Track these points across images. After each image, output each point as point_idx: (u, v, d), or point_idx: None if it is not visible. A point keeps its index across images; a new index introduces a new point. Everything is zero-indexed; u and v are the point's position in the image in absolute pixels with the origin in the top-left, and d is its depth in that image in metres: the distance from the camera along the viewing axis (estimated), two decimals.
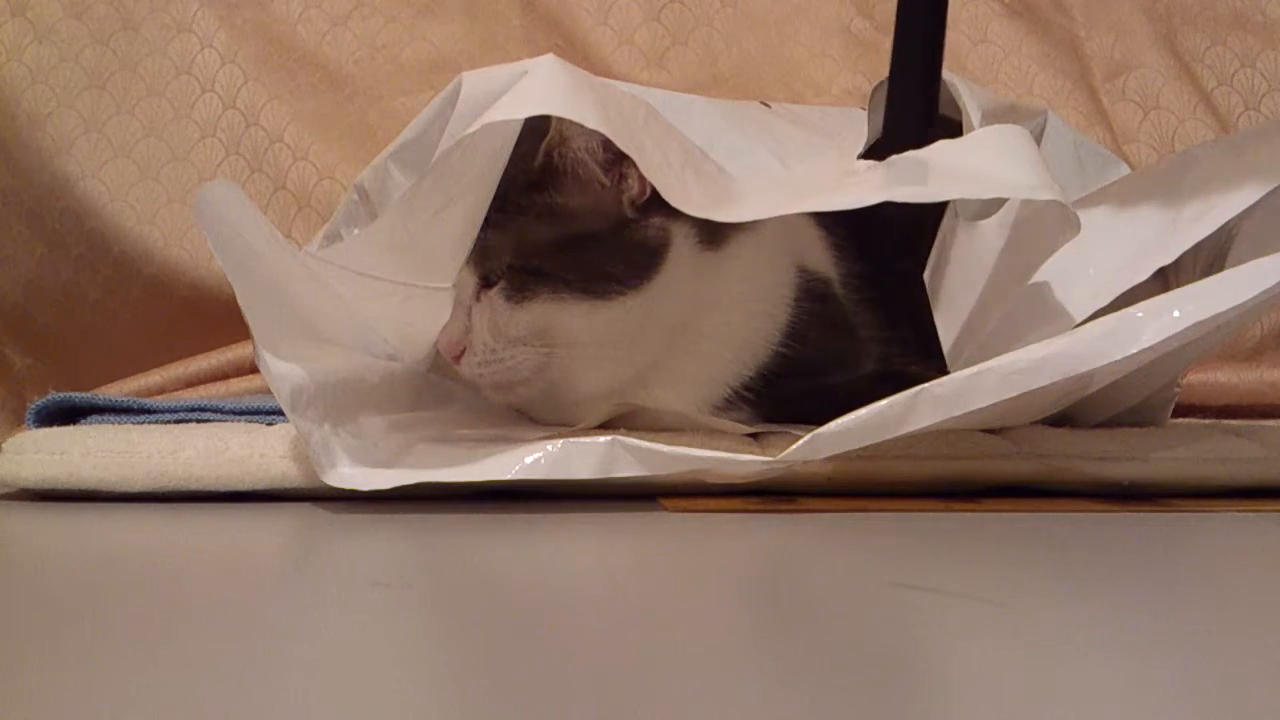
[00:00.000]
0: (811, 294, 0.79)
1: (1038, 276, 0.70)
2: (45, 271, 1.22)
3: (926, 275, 0.73)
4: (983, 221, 0.72)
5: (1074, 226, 0.67)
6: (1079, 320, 0.68)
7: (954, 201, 0.73)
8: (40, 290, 1.22)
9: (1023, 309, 0.70)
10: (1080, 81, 1.30)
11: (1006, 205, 0.70)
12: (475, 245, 0.71)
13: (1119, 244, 0.70)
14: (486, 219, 0.70)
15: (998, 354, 0.64)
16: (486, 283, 0.74)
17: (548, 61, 0.66)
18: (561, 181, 0.73)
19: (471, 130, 0.62)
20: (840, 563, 0.56)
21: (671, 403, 0.76)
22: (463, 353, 0.74)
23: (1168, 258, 0.70)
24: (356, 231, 0.79)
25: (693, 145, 0.72)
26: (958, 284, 0.72)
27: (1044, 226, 0.68)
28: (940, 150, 0.67)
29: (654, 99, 0.78)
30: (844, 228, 0.80)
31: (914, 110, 0.77)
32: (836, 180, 0.72)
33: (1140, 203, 0.70)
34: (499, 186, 0.69)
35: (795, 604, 0.47)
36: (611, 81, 0.75)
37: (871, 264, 0.80)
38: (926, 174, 0.66)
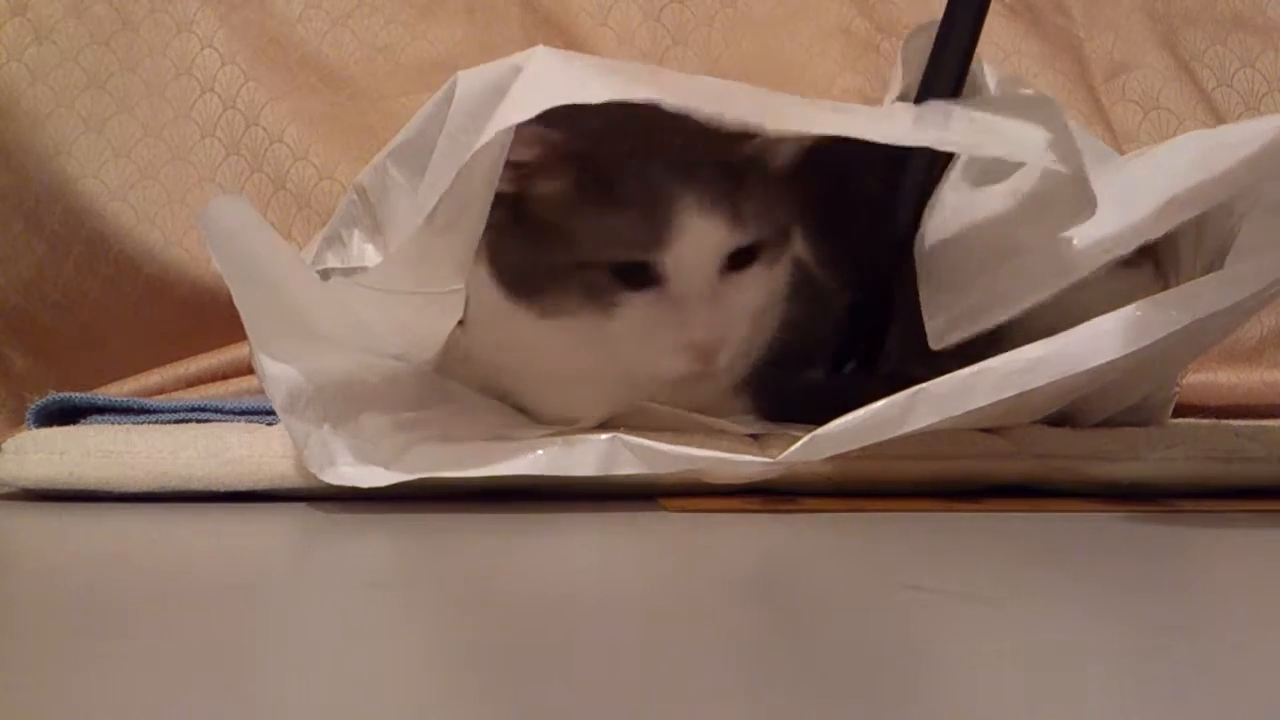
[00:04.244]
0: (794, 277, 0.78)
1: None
2: (45, 271, 1.21)
3: (917, 243, 0.72)
4: (991, 187, 0.71)
5: (1090, 206, 0.65)
6: (1054, 285, 0.67)
7: (961, 164, 0.72)
8: (40, 290, 1.22)
9: (1004, 274, 0.69)
10: (1080, 81, 1.30)
11: (1018, 173, 0.69)
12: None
13: (1105, 218, 0.69)
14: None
15: (977, 320, 0.63)
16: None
17: (541, 54, 0.65)
18: None
19: (486, 139, 0.61)
20: (841, 563, 0.56)
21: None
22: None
23: (1155, 233, 0.68)
24: (369, 246, 0.78)
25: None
26: (952, 249, 0.71)
27: (1058, 202, 0.67)
28: (973, 104, 0.67)
29: None
30: (816, 210, 0.79)
31: (953, 69, 0.76)
32: (869, 112, 0.71)
33: (1130, 182, 0.70)
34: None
35: (796, 604, 0.47)
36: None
37: (843, 243, 0.79)
38: (958, 123, 0.65)
